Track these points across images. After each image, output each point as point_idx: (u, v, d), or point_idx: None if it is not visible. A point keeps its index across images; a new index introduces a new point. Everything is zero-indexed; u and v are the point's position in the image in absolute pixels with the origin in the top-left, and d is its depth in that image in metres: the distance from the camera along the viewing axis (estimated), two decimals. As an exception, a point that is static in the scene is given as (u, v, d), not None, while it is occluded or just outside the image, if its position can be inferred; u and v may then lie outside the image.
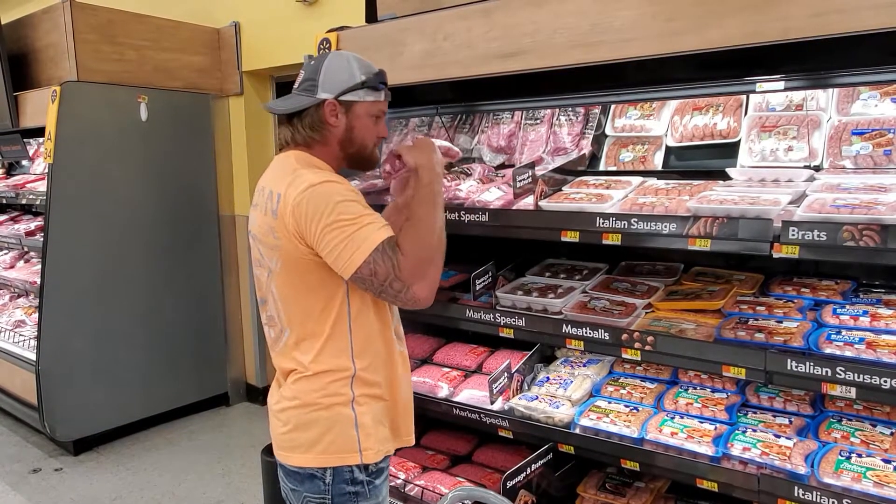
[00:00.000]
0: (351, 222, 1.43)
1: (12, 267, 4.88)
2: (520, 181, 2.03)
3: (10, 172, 5.28)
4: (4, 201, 4.83)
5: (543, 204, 2.04)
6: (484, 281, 2.20)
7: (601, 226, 1.88)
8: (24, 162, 5.04)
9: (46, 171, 3.75)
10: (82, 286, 3.76)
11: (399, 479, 2.30)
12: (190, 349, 4.31)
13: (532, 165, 2.11)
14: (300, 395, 1.56)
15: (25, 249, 4.79)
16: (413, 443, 1.76)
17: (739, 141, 2.13)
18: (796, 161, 2.00)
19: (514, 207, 2.13)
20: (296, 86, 1.65)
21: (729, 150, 2.16)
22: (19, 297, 4.89)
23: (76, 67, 3.63)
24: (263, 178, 1.63)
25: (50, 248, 3.63)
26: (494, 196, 2.21)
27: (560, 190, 2.16)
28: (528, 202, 2.11)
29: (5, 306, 4.83)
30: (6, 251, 5.06)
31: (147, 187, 4.00)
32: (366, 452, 1.55)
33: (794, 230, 1.59)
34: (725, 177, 2.03)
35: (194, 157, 4.22)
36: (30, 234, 4.45)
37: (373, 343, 1.58)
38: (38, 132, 3.79)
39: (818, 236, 1.56)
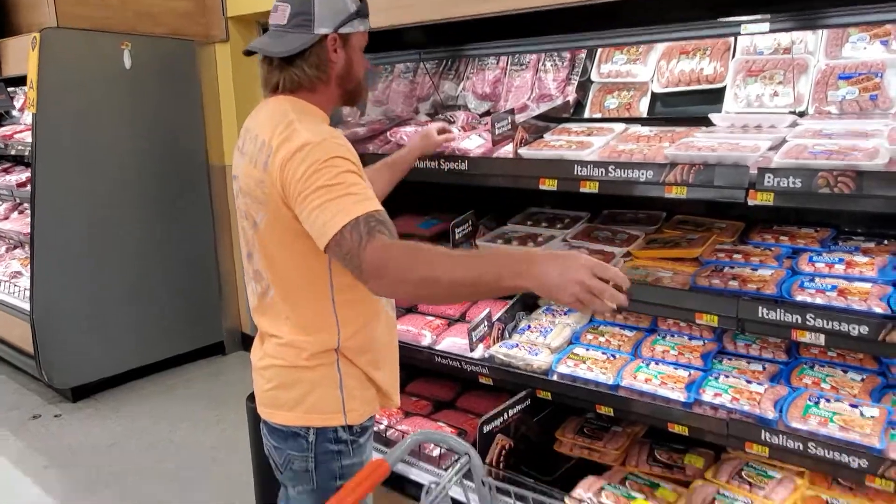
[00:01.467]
0: (334, 189, 1.30)
1: (6, 218, 4.88)
2: (499, 128, 2.00)
3: (0, 123, 5.24)
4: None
5: (523, 151, 2.01)
6: (463, 230, 2.20)
7: (578, 174, 1.86)
8: (15, 112, 4.99)
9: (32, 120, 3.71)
10: (73, 236, 3.77)
11: (382, 424, 2.34)
12: (184, 298, 4.35)
13: (512, 112, 2.07)
14: (284, 355, 1.53)
15: (18, 201, 4.78)
16: (399, 404, 1.75)
17: (725, 86, 2.08)
18: (781, 107, 1.96)
19: (494, 155, 2.10)
20: (282, 22, 1.50)
21: (715, 96, 2.12)
22: (15, 248, 4.92)
23: (55, 13, 3.55)
24: (253, 121, 1.53)
25: (38, 198, 3.63)
26: (475, 144, 2.18)
27: (541, 137, 2.13)
28: (508, 150, 2.08)
29: (2, 257, 4.87)
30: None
31: (135, 137, 3.96)
32: (350, 414, 1.52)
33: (769, 177, 1.57)
34: (709, 123, 1.99)
35: (181, 106, 4.16)
36: (21, 185, 4.43)
37: (358, 310, 1.53)
38: (23, 80, 3.73)
39: (793, 183, 1.54)
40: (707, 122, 1.99)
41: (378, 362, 1.59)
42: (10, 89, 4.17)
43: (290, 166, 1.35)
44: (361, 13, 1.53)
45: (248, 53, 1.57)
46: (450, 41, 2.56)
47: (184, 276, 4.34)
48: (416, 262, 1.24)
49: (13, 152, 4.37)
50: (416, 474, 2.11)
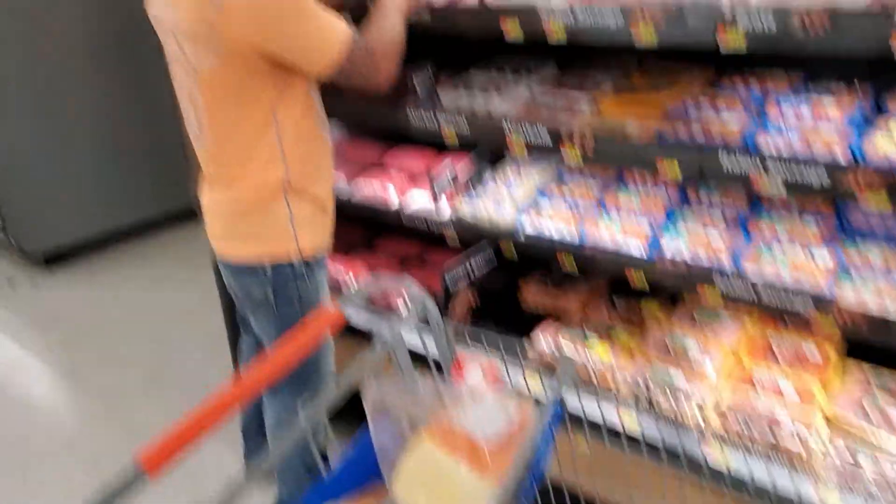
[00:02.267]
0: (318, 16, 1.42)
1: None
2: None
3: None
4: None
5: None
6: (423, 79, 2.08)
7: (545, 20, 1.73)
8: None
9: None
10: (26, 94, 3.56)
11: (351, 282, 2.37)
12: (149, 160, 4.22)
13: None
14: (232, 196, 1.58)
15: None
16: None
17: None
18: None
19: (460, 7, 1.94)
20: None
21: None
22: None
23: None
24: None
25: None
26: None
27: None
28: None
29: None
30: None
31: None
32: (302, 243, 1.62)
33: (743, 17, 1.47)
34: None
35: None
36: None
37: (303, 141, 1.59)
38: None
39: (768, 27, 1.45)
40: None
41: (322, 185, 1.68)
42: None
43: (259, 4, 1.36)
44: None
45: None
46: None
47: (145, 136, 4.18)
48: (387, 44, 1.62)
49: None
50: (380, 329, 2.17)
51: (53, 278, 3.87)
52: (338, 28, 1.51)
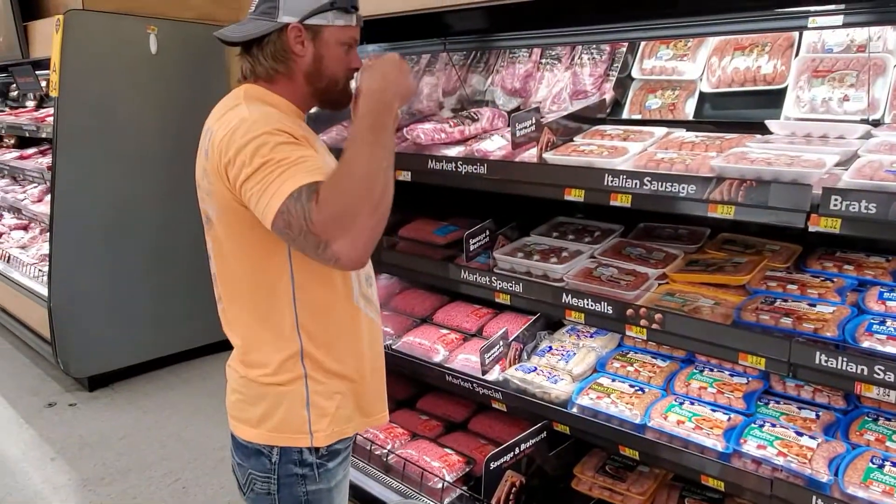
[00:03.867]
0: (275, 164, 1.17)
1: (40, 201, 4.88)
2: (521, 129, 1.78)
3: (41, 105, 5.24)
4: (28, 134, 4.80)
5: (548, 156, 1.79)
6: (479, 241, 1.99)
7: (609, 184, 1.63)
8: (53, 94, 4.98)
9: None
10: (92, 222, 3.70)
11: (386, 448, 2.16)
12: (203, 289, 4.23)
13: (537, 111, 1.85)
14: (246, 370, 1.41)
15: (49, 185, 4.77)
16: (387, 420, 1.57)
17: (786, 88, 1.82)
18: (852, 113, 1.69)
19: (517, 159, 1.88)
20: (252, 9, 1.41)
21: (774, 99, 1.86)
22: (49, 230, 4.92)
23: (82, -6, 3.46)
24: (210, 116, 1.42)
25: (58, 182, 3.57)
26: (497, 145, 1.97)
27: (571, 140, 1.90)
28: (532, 154, 1.86)
29: (34, 240, 4.87)
30: (35, 184, 5.07)
31: (158, 123, 3.86)
32: (316, 435, 1.38)
33: (836, 199, 1.32)
34: (766, 130, 1.73)
35: (207, 93, 4.03)
36: (50, 168, 4.41)
37: (327, 314, 1.38)
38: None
39: (866, 208, 1.29)
40: (763, 130, 1.73)
41: (353, 366, 1.43)
42: (38, 72, 4.13)
43: (224, 143, 1.23)
44: (338, 5, 1.36)
45: (222, 41, 1.46)
46: (478, 30, 2.34)
47: (203, 268, 4.23)
48: (340, 185, 1.15)
49: (44, 135, 4.35)
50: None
51: (94, 402, 3.79)
52: (289, 175, 1.16)
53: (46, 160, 4.66)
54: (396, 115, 1.29)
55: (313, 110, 1.62)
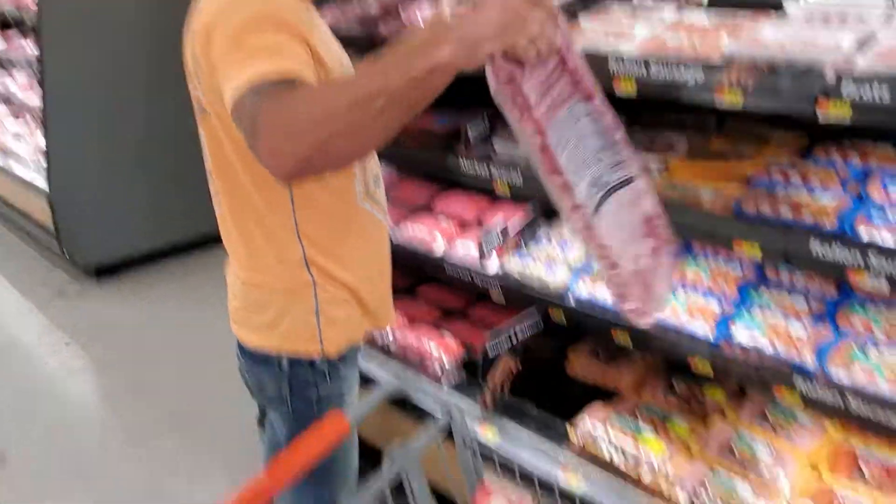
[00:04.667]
0: (243, 47, 1.02)
1: (31, 89, 4.73)
2: (523, 10, 1.68)
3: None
4: (12, 20, 4.59)
5: (551, 40, 1.70)
6: (479, 129, 1.94)
7: (614, 71, 1.56)
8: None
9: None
10: (86, 111, 3.62)
11: (388, 336, 2.23)
12: (203, 179, 4.21)
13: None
14: (248, 275, 1.36)
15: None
16: (392, 322, 1.60)
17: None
18: (874, -7, 1.59)
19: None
20: None
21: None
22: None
23: None
24: None
25: (47, 73, 3.46)
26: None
27: (575, 19, 1.81)
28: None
29: (32, 134, 4.76)
30: (20, 69, 4.87)
31: (145, 6, 3.68)
32: (326, 342, 1.35)
33: (849, 85, 1.26)
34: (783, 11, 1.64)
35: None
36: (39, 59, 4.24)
37: (329, 217, 1.31)
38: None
39: (879, 96, 1.24)
40: (781, 9, 1.63)
41: (360, 271, 1.38)
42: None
43: (208, 21, 1.10)
44: None
45: None
46: None
47: (196, 157, 4.17)
48: (300, 101, 0.95)
49: (28, 21, 4.14)
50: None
51: (101, 291, 3.89)
52: (247, 71, 0.99)
53: (27, 44, 4.47)
54: (456, 70, 0.93)
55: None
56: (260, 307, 1.35)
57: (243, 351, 1.42)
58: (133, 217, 3.97)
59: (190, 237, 4.27)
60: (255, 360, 1.40)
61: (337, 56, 1.27)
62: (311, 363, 1.37)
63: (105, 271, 4.01)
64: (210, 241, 4.35)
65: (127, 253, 4.04)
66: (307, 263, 1.31)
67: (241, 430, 2.73)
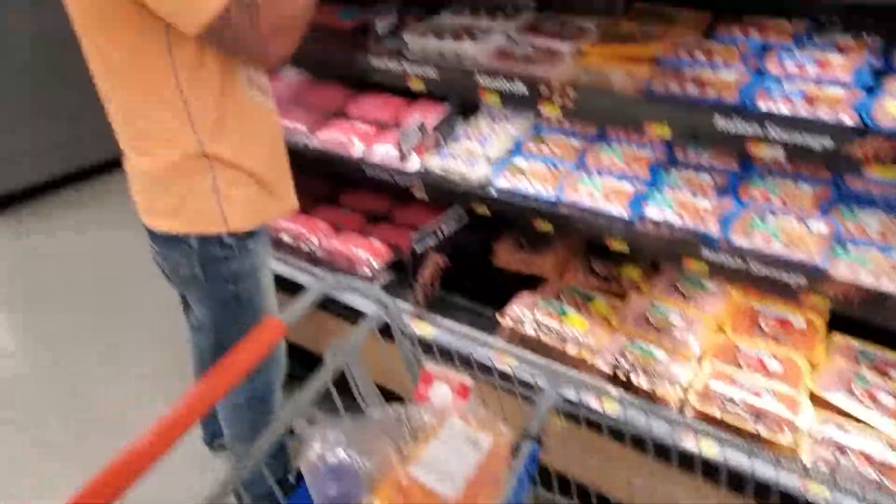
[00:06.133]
0: None
1: None
2: None
3: None
4: None
5: (456, -79, 1.63)
6: (388, 22, 1.86)
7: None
8: None
9: None
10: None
11: (313, 243, 2.21)
12: (82, 106, 3.86)
13: None
14: (147, 165, 1.39)
15: None
16: (296, 207, 1.64)
17: None
18: None
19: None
20: None
21: None
22: None
23: None
24: None
25: None
26: None
27: None
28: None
29: None
30: None
31: None
32: (230, 219, 1.42)
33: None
34: None
35: None
36: None
37: (217, 104, 1.34)
38: None
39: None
40: None
41: (254, 154, 1.45)
42: None
43: None
44: None
45: None
46: None
47: (75, 84, 3.83)
48: (284, 15, 1.25)
49: None
50: (348, 298, 2.03)
51: (5, 227, 3.62)
52: None
53: None
54: None
55: None
56: (163, 192, 1.39)
57: (155, 237, 1.47)
58: (22, 146, 3.65)
59: (75, 167, 4.01)
60: (166, 244, 1.45)
61: None
62: (220, 239, 1.43)
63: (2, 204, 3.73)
64: (110, 165, 4.09)
65: (9, 188, 3.75)
66: (202, 150, 1.36)
67: (169, 332, 2.69)
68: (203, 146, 1.36)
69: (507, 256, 2.14)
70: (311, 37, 2.16)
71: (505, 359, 1.40)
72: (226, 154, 1.39)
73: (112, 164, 4.08)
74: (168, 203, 1.40)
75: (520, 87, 1.71)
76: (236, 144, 1.40)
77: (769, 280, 1.52)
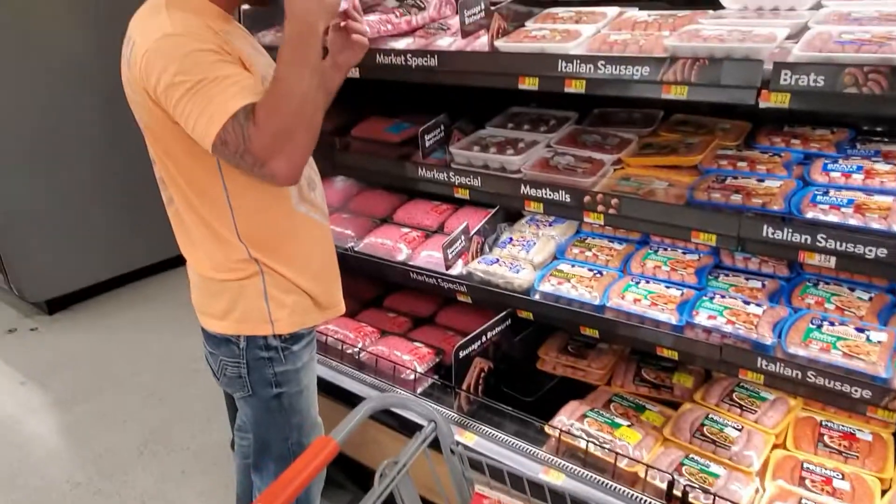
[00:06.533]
0: (208, 84, 1.19)
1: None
2: (469, 16, 1.71)
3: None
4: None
5: (500, 44, 1.73)
6: (435, 136, 1.96)
7: (563, 70, 1.60)
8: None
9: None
10: (23, 140, 3.48)
11: (357, 346, 2.22)
12: (155, 203, 4.11)
13: (486, -5, 1.77)
14: (204, 270, 1.49)
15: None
16: (342, 311, 1.69)
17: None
18: (803, -16, 1.66)
19: (468, 49, 1.82)
20: None
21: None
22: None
23: None
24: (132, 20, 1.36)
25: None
26: (448, 42, 1.89)
27: (523, 25, 1.84)
28: (484, 42, 1.80)
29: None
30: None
31: (84, 26, 3.57)
32: (277, 323, 1.49)
33: (786, 73, 1.32)
34: (718, 6, 1.70)
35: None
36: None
37: (266, 222, 1.44)
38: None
39: (814, 81, 1.30)
40: (716, 5, 1.70)
41: (302, 268, 1.52)
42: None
43: (148, 59, 1.22)
44: None
45: None
46: None
47: (152, 180, 4.08)
48: (275, 107, 1.21)
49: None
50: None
51: (55, 325, 3.76)
52: (227, 97, 1.20)
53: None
54: (320, 34, 1.25)
55: (245, 7, 1.57)
56: (216, 296, 1.48)
57: (207, 337, 1.55)
58: (82, 248, 3.84)
59: (140, 265, 4.18)
60: (216, 343, 1.53)
61: (266, 62, 1.45)
62: (265, 342, 1.49)
63: (57, 305, 3.88)
64: (160, 267, 4.26)
65: (79, 284, 3.92)
66: (252, 259, 1.45)
67: (214, 450, 2.69)
68: (252, 256, 1.45)
69: (552, 361, 2.11)
70: (361, 148, 2.29)
71: (553, 475, 1.34)
72: (274, 266, 1.47)
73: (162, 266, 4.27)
74: (221, 306, 1.48)
75: (563, 196, 1.75)
76: (283, 258, 1.47)
77: (830, 391, 1.45)
